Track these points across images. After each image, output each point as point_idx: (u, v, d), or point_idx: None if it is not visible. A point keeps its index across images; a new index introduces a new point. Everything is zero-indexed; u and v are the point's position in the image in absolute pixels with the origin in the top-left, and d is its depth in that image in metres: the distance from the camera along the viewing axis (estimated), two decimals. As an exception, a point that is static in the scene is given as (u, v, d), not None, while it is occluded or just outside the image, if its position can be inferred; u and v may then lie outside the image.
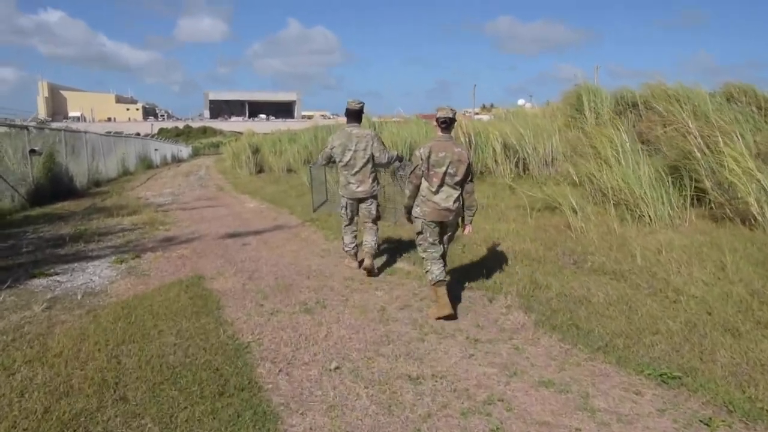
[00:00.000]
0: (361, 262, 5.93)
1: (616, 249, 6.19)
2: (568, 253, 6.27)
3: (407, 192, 4.59)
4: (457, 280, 5.43)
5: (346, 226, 6.06)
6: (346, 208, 5.92)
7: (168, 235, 8.43)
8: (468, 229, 4.79)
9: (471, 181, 4.52)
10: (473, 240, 6.80)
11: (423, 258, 4.66)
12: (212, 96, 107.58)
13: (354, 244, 6.13)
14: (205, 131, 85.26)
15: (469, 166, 4.44)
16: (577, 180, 9.69)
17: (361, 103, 5.77)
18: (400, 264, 6.27)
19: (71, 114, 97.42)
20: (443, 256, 4.68)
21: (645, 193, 7.50)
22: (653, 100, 14.65)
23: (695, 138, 8.29)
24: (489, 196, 10.06)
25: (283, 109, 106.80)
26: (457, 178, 4.39)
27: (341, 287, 5.43)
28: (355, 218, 6.06)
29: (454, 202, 4.45)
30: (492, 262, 5.97)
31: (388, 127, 19.89)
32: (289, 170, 20.78)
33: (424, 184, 4.42)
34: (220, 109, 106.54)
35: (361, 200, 5.85)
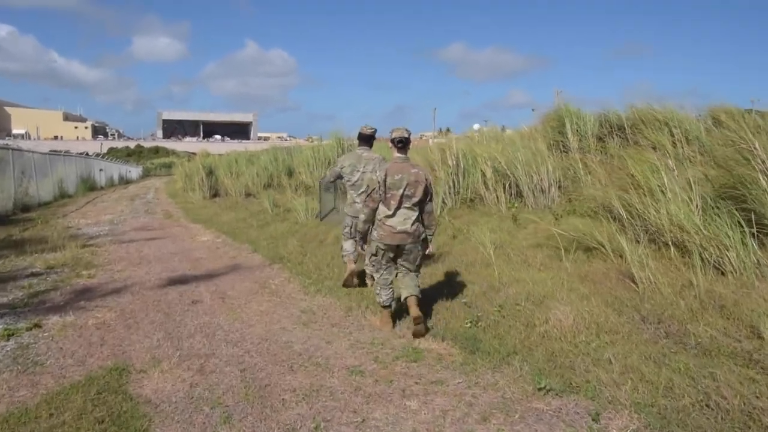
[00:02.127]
0: (353, 274, 5.82)
1: (715, 314, 4.40)
2: (651, 321, 4.42)
3: (362, 216, 4.46)
4: (530, 375, 3.48)
5: (346, 239, 5.95)
6: (350, 226, 5.86)
7: (91, 285, 6.16)
8: (430, 248, 4.66)
9: (430, 201, 4.39)
10: (517, 298, 4.89)
11: (375, 279, 4.64)
12: (166, 115, 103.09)
13: (353, 251, 5.86)
14: (157, 151, 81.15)
15: (428, 186, 4.32)
16: (603, 212, 7.98)
17: (373, 129, 5.87)
18: (427, 342, 4.26)
19: (15, 131, 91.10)
20: (410, 285, 4.48)
21: (712, 231, 5.80)
22: (641, 123, 13.39)
23: (762, 161, 6.66)
24: (495, 230, 8.20)
25: (239, 130, 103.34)
26: (415, 200, 4.27)
27: (348, 391, 3.37)
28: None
29: (412, 224, 4.31)
30: (561, 340, 4.06)
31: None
32: (248, 194, 18.53)
33: (382, 207, 4.30)
34: (174, 128, 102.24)
35: None
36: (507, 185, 11.49)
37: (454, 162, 11.76)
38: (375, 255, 4.51)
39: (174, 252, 8.38)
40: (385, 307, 4.48)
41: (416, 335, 4.22)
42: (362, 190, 5.45)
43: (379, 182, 4.25)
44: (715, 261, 5.48)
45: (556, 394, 3.26)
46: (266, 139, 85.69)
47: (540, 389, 3.30)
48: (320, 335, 4.43)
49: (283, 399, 3.24)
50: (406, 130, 4.38)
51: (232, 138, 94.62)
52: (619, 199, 7.01)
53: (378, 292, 4.49)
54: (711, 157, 11.70)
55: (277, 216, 12.29)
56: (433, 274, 6.11)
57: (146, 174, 52.08)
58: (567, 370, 3.56)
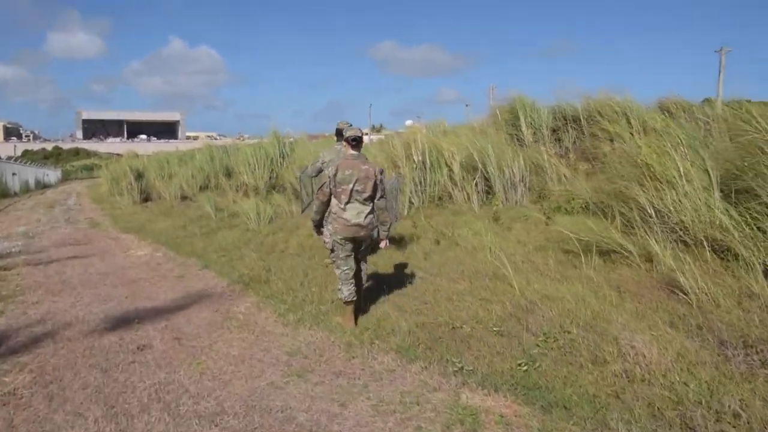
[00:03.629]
0: None
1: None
2: (734, 344, 3.50)
3: (314, 207, 4.54)
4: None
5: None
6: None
7: (-5, 327, 4.58)
8: (384, 243, 4.64)
9: (383, 197, 4.43)
10: (561, 322, 3.83)
11: (337, 276, 4.49)
12: (86, 115, 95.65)
13: None
14: (77, 153, 75.11)
15: (378, 182, 4.36)
16: (597, 208, 7.15)
17: (350, 125, 5.38)
18: (476, 395, 3.10)
19: None
20: (357, 275, 4.54)
21: (744, 230, 5.02)
22: (598, 115, 12.90)
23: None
24: (480, 232, 7.18)
25: (166, 130, 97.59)
26: (366, 194, 4.31)
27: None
28: None
29: (365, 217, 4.33)
30: (651, 383, 3.03)
31: (304, 146, 16.65)
32: (183, 197, 16.71)
33: (334, 201, 4.37)
34: (95, 129, 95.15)
35: None
36: (475, 182, 10.60)
37: (420, 158, 10.70)
38: (332, 251, 4.55)
39: (105, 272, 6.77)
40: (347, 303, 4.41)
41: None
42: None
43: (329, 177, 4.33)
44: (763, 263, 4.69)
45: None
46: (195, 138, 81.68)
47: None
48: (326, 393, 3.20)
49: None
50: (359, 129, 4.53)
51: (158, 138, 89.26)
52: (622, 194, 6.15)
53: (339, 287, 4.45)
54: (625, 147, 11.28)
55: (222, 222, 10.77)
56: (437, 290, 4.99)
57: (66, 177, 47.76)
58: (691, 435, 2.53)
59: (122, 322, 4.69)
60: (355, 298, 4.43)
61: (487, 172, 10.42)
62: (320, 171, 5.89)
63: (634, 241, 5.48)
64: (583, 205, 7.86)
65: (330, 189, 4.34)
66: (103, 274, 6.68)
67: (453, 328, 4.12)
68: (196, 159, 20.87)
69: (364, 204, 4.33)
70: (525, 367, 3.32)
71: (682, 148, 6.08)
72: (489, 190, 10.47)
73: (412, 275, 5.63)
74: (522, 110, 13.61)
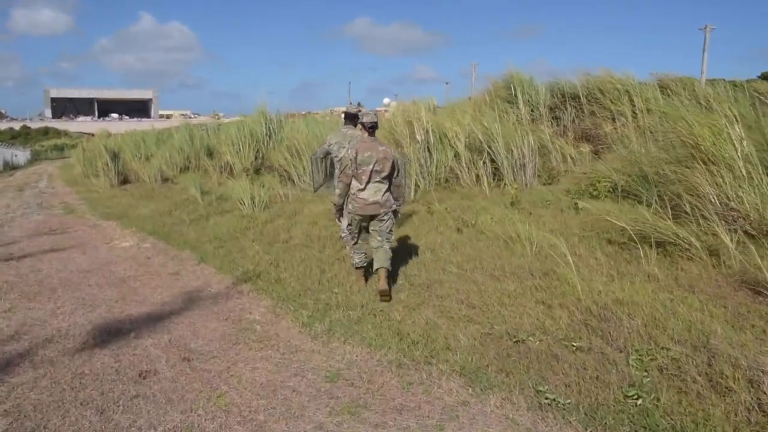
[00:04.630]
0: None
1: None
2: None
3: (337, 191, 4.70)
4: None
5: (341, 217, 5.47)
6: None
7: (-42, 345, 3.72)
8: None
9: (398, 175, 4.67)
10: (656, 337, 3.16)
11: (350, 247, 4.81)
12: (54, 93, 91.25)
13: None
14: (47, 132, 71.79)
15: (395, 162, 4.53)
16: (629, 192, 6.52)
17: (358, 108, 6.02)
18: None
19: None
20: (381, 250, 4.50)
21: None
22: (599, 92, 12.28)
23: None
24: (502, 219, 6.49)
25: (138, 108, 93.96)
26: (384, 174, 4.46)
27: None
28: None
29: (383, 195, 4.49)
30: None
31: (294, 125, 15.73)
32: (164, 179, 15.64)
33: (354, 182, 4.50)
34: (65, 107, 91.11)
35: None
36: (483, 162, 9.90)
37: (423, 137, 9.93)
38: (350, 225, 4.77)
39: (87, 269, 5.89)
40: (358, 268, 4.78)
41: (382, 300, 4.31)
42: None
43: (351, 159, 4.47)
44: None
45: None
46: (168, 116, 79.03)
47: None
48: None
49: None
50: (375, 114, 4.67)
51: (131, 116, 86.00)
52: (664, 177, 5.51)
53: (352, 255, 4.81)
54: (672, 125, 10.71)
55: (211, 207, 9.86)
56: (482, 291, 4.28)
57: (35, 158, 45.51)
58: None
59: (115, 335, 3.87)
60: (365, 265, 4.76)
61: (494, 153, 9.72)
62: (327, 153, 5.97)
63: (691, 231, 4.86)
64: (610, 189, 7.23)
65: (352, 171, 4.48)
66: (85, 271, 5.79)
67: (517, 341, 3.43)
68: (175, 138, 19.71)
69: (381, 183, 4.49)
70: (638, 399, 2.64)
71: (737, 126, 5.43)
72: (495, 172, 9.79)
73: (445, 270, 4.92)
74: (519, 87, 12.92)
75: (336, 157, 5.78)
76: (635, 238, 4.78)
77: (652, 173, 6.39)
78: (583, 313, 3.70)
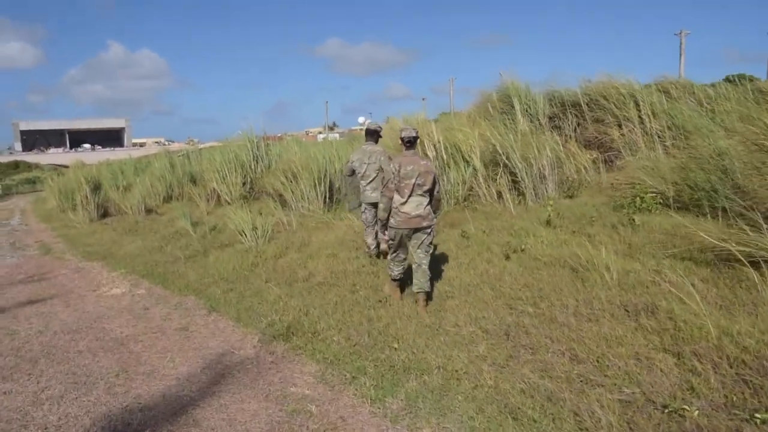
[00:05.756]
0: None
1: None
2: None
3: (381, 206, 4.58)
4: None
5: (367, 228, 6.09)
6: (365, 212, 6.06)
7: None
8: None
9: (437, 189, 4.60)
10: None
11: (390, 259, 4.69)
12: (24, 126, 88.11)
13: (374, 245, 6.03)
14: (17, 166, 69.00)
15: (435, 176, 4.51)
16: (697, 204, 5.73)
17: (378, 125, 6.34)
18: None
19: None
20: (421, 266, 4.44)
21: None
22: (603, 99, 11.64)
23: None
24: (552, 242, 5.65)
25: (111, 137, 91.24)
26: (426, 187, 4.43)
27: None
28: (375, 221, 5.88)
29: (424, 208, 4.44)
30: None
31: (288, 148, 14.79)
32: (148, 210, 14.45)
33: (396, 196, 4.45)
34: (35, 140, 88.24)
35: (374, 205, 5.79)
36: (498, 177, 9.09)
37: (438, 153, 9.08)
38: (393, 239, 4.61)
39: (75, 328, 4.80)
40: (395, 279, 4.70)
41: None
42: (370, 179, 5.91)
43: (393, 173, 4.42)
44: None
45: None
46: (142, 144, 77.10)
47: None
48: None
49: None
50: (414, 129, 4.60)
51: (103, 146, 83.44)
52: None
53: (391, 267, 4.69)
54: (682, 131, 10.10)
55: (206, 240, 8.81)
56: (584, 337, 3.38)
57: (6, 192, 43.37)
58: None
59: (124, 433, 2.84)
60: (402, 277, 4.69)
61: (513, 166, 8.92)
62: (353, 171, 6.10)
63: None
64: (661, 201, 6.45)
65: (395, 185, 4.43)
66: (72, 331, 4.71)
67: (670, 411, 2.54)
68: (155, 166, 18.58)
69: (422, 196, 4.43)
70: None
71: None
72: (513, 187, 8.99)
73: (516, 309, 4.03)
74: (516, 97, 12.22)
75: (359, 173, 5.99)
76: (741, 258, 3.95)
77: (716, 181, 5.62)
78: (734, 364, 2.84)
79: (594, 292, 4.13)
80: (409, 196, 4.40)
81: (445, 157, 9.12)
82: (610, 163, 10.11)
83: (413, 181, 4.36)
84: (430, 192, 4.50)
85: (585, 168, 10.14)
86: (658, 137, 10.06)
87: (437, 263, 5.50)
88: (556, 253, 5.23)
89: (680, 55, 25.85)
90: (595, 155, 10.66)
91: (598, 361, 3.12)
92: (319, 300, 4.83)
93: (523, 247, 5.54)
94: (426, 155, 9.02)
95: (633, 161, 9.33)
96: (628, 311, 3.77)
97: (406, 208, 4.41)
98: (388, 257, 4.72)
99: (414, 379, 3.16)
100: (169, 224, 11.42)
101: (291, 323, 4.28)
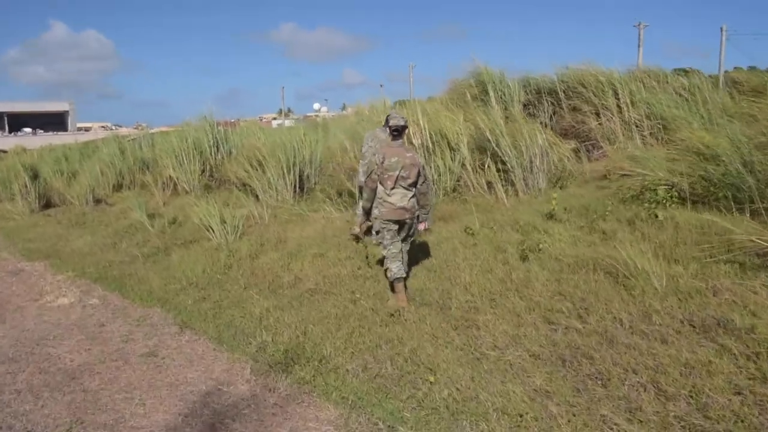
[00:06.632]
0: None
1: None
2: None
3: (365, 195, 4.51)
4: None
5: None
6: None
7: None
8: (423, 225, 4.59)
9: (424, 182, 4.45)
10: None
11: (384, 256, 4.43)
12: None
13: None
14: (-52, 151, 64.08)
15: (421, 168, 4.40)
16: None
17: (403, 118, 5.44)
18: None
19: None
20: (402, 255, 4.41)
21: None
22: (581, 87, 11.19)
23: None
24: (568, 239, 5.03)
25: (54, 121, 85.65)
26: (410, 181, 4.32)
27: None
28: None
29: (409, 200, 4.35)
30: None
31: (251, 133, 13.66)
32: (97, 200, 13.07)
33: (380, 187, 4.36)
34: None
35: None
36: (485, 166, 8.45)
37: (423, 141, 8.34)
38: (379, 232, 4.44)
39: (11, 356, 3.80)
40: (397, 279, 4.29)
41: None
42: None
43: (377, 164, 4.33)
44: None
45: None
46: (88, 129, 72.78)
47: None
48: None
49: None
50: (403, 118, 4.50)
51: (45, 130, 78.37)
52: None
53: (389, 266, 4.34)
54: (659, 119, 9.84)
55: (167, 235, 7.79)
56: (658, 365, 2.73)
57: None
58: None
59: None
60: (404, 275, 4.39)
61: (504, 154, 8.28)
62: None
63: None
64: (676, 194, 5.93)
65: (378, 175, 4.33)
66: (9, 360, 3.71)
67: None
68: (103, 152, 17.01)
69: (407, 189, 4.33)
70: None
71: None
72: (505, 175, 8.37)
73: (557, 325, 3.36)
74: (491, 84, 11.60)
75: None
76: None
77: (742, 174, 5.13)
78: None
79: (646, 303, 3.51)
80: (392, 188, 4.31)
81: (430, 145, 8.39)
82: (588, 153, 9.68)
83: (396, 173, 4.26)
84: (415, 185, 4.37)
85: (567, 158, 9.63)
86: (636, 126, 9.69)
87: (445, 264, 4.79)
88: (579, 253, 4.60)
89: (639, 46, 25.99)
90: (573, 145, 10.17)
91: (692, 398, 2.49)
92: (316, 313, 4.02)
93: (540, 246, 4.88)
94: (411, 144, 8.27)
95: (613, 151, 8.92)
96: (694, 327, 3.16)
97: (391, 199, 4.32)
98: (384, 253, 4.40)
99: (469, 427, 2.42)
100: (121, 216, 10.24)
101: (288, 346, 3.46)
